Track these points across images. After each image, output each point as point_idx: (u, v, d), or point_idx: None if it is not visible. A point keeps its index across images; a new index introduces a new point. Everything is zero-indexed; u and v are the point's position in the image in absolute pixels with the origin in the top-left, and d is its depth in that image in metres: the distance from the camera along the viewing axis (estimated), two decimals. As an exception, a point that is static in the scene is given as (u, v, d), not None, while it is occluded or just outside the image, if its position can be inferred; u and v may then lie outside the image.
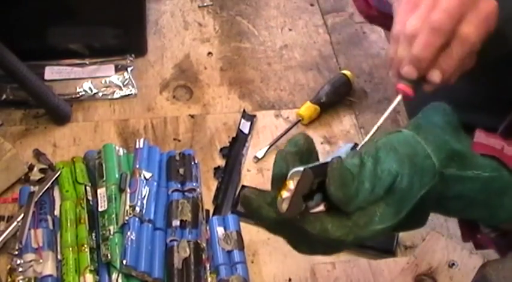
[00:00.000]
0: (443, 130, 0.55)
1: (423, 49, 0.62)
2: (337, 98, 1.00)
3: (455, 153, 0.53)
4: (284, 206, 0.48)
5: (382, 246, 0.80)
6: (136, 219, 0.76)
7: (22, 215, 0.78)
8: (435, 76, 0.64)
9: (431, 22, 0.61)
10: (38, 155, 0.89)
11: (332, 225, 0.50)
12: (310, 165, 0.50)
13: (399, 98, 0.64)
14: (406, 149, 0.52)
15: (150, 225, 0.77)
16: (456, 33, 0.61)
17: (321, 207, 0.50)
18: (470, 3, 0.62)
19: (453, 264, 0.71)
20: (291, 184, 0.48)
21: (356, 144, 0.56)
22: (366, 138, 0.65)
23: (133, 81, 1.02)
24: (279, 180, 0.51)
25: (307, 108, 0.97)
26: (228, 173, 0.89)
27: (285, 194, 0.48)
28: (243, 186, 0.87)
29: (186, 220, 0.78)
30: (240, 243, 0.78)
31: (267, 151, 0.92)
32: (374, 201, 0.51)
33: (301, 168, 0.48)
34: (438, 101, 0.84)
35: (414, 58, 0.62)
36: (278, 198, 0.49)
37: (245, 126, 0.95)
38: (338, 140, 0.95)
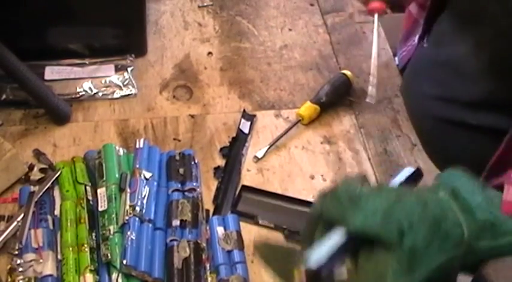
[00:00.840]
0: (474, 193, 0.52)
1: None
2: (337, 98, 1.00)
3: (488, 224, 0.50)
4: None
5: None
6: (137, 219, 0.76)
7: (22, 215, 0.78)
8: None
9: None
10: (38, 155, 0.89)
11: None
12: (327, 246, 0.48)
13: (376, 18, 0.67)
14: (436, 210, 0.50)
15: (150, 225, 0.77)
16: None
17: (345, 275, 0.49)
18: None
19: (453, 264, 0.71)
20: (302, 274, 0.48)
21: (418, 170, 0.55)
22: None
23: (134, 81, 1.02)
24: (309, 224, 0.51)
25: (307, 108, 0.97)
26: (228, 172, 0.89)
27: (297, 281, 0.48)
28: (243, 186, 0.87)
29: (186, 220, 0.78)
30: (240, 243, 0.78)
31: (266, 151, 0.92)
32: (388, 251, 0.48)
33: (309, 264, 0.48)
34: (447, 98, 0.84)
35: None
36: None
37: (245, 126, 0.96)
38: (338, 140, 0.95)
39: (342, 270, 0.49)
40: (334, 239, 0.48)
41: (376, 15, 0.74)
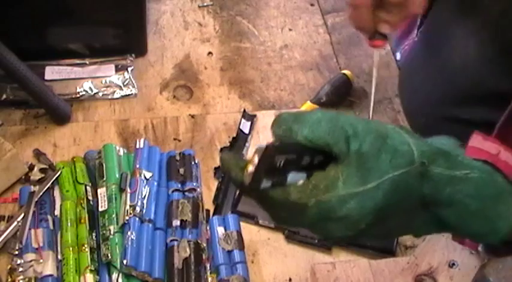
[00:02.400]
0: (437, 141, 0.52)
1: (354, 8, 0.73)
2: (337, 98, 1.00)
3: (441, 151, 0.50)
4: (247, 180, 0.48)
5: (382, 246, 0.80)
6: (137, 219, 0.76)
7: (22, 215, 0.78)
8: (384, 28, 0.75)
9: None
10: (38, 155, 0.89)
11: (293, 189, 0.48)
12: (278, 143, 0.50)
13: (376, 53, 0.70)
14: (380, 127, 0.50)
15: (151, 225, 0.77)
16: None
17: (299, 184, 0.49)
18: None
19: (453, 264, 0.71)
20: (255, 159, 0.48)
21: None
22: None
23: (134, 81, 1.02)
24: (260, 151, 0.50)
25: (308, 109, 0.96)
26: (228, 173, 0.89)
27: (250, 168, 0.48)
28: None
29: (186, 220, 0.78)
30: (240, 243, 0.78)
31: (267, 151, 0.92)
32: (340, 163, 0.48)
33: (263, 144, 0.48)
34: (437, 93, 0.84)
35: (353, 18, 0.74)
36: (244, 172, 0.48)
37: (245, 126, 0.96)
38: (338, 140, 0.95)
39: (296, 177, 0.49)
40: (257, 160, 0.49)
41: (375, 52, 0.77)
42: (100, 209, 0.79)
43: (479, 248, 0.69)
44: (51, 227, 0.78)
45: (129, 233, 0.75)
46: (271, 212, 0.51)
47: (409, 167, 0.48)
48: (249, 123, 0.96)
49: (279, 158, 0.48)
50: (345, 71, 1.02)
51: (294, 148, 0.50)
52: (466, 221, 0.51)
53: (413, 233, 0.55)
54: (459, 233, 0.54)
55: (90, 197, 0.81)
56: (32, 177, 0.85)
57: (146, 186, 0.80)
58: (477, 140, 0.56)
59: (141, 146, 0.85)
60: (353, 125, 0.49)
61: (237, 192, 0.87)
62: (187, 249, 0.75)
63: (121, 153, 0.85)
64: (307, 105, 0.97)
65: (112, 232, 0.76)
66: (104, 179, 0.82)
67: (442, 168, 0.49)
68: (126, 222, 0.76)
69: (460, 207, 0.50)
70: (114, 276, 0.73)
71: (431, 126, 0.86)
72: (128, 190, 0.79)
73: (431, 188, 0.49)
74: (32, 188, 0.82)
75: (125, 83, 1.01)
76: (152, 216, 0.78)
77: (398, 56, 1.09)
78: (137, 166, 0.82)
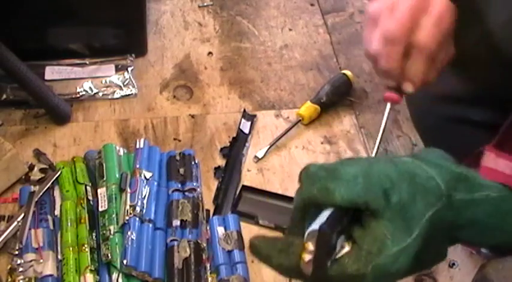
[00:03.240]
0: (443, 159, 0.53)
1: (385, 62, 0.67)
2: (338, 97, 1.00)
3: (460, 175, 0.50)
4: (308, 270, 0.46)
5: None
6: (137, 219, 0.76)
7: (22, 215, 0.78)
8: (407, 87, 0.69)
9: (384, 34, 0.65)
10: (38, 154, 0.89)
11: (348, 260, 0.47)
12: (324, 217, 0.47)
13: (388, 105, 0.68)
14: (406, 167, 0.49)
15: (151, 225, 0.77)
16: (412, 41, 0.65)
17: (346, 249, 0.48)
18: (420, 9, 0.65)
19: (453, 264, 0.71)
20: (310, 246, 0.46)
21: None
22: (375, 150, 0.67)
23: (134, 81, 1.02)
24: (301, 212, 0.50)
25: (308, 108, 0.97)
26: (229, 172, 0.89)
27: (307, 256, 0.46)
28: (244, 186, 0.87)
29: (186, 220, 0.78)
30: (241, 243, 0.78)
31: (267, 151, 0.92)
32: (377, 218, 0.47)
33: (316, 227, 0.46)
34: (449, 94, 0.84)
35: (383, 72, 0.68)
36: (301, 262, 0.46)
37: (245, 126, 0.95)
38: (338, 140, 0.95)
39: (340, 242, 0.47)
40: (326, 214, 0.47)
41: (388, 104, 0.74)
42: (100, 209, 0.79)
43: (483, 250, 0.69)
44: (51, 227, 0.78)
45: (129, 233, 0.75)
46: None
47: (440, 203, 0.49)
48: (249, 123, 0.96)
49: (333, 235, 0.46)
50: (345, 71, 1.02)
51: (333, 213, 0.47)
52: (486, 237, 0.52)
53: (441, 260, 0.54)
54: (479, 246, 0.54)
55: (90, 197, 0.81)
56: (32, 177, 0.85)
57: (146, 186, 0.80)
58: (490, 158, 0.56)
59: (141, 146, 0.85)
60: (388, 176, 0.48)
61: (237, 192, 0.87)
62: (187, 249, 0.75)
63: (121, 153, 0.85)
64: (308, 105, 0.97)
65: (112, 232, 0.76)
66: (104, 179, 0.82)
67: (463, 193, 0.50)
68: (126, 222, 0.76)
69: (480, 226, 0.51)
70: (114, 276, 0.73)
71: (440, 126, 0.86)
72: (128, 190, 0.79)
73: (454, 215, 0.50)
74: (32, 188, 0.82)
75: (125, 83, 1.01)
76: (152, 216, 0.78)
77: None
78: (137, 166, 0.82)
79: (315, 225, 0.46)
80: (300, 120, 0.96)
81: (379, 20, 0.67)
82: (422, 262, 0.51)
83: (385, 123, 0.76)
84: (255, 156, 0.92)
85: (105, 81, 1.01)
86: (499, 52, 0.75)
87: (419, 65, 0.67)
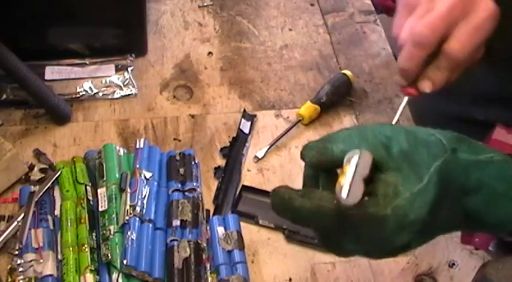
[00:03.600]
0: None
1: (406, 61, 0.63)
2: (338, 98, 1.00)
3: (463, 137, 0.51)
4: (344, 193, 0.46)
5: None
6: (137, 219, 0.76)
7: (22, 215, 0.78)
8: (425, 86, 0.65)
9: (413, 34, 0.61)
10: (38, 154, 0.89)
11: (368, 203, 0.48)
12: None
13: (405, 99, 0.66)
14: (401, 127, 0.51)
15: (151, 225, 0.77)
16: (443, 48, 0.61)
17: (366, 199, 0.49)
18: (461, 10, 0.60)
19: (453, 264, 0.71)
20: (349, 169, 0.46)
21: None
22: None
23: (134, 81, 1.02)
24: (311, 179, 0.52)
25: (308, 108, 0.97)
26: (229, 172, 0.89)
27: (344, 180, 0.46)
28: (244, 186, 0.87)
29: (186, 220, 0.78)
30: (241, 243, 0.78)
31: (267, 151, 0.92)
32: (387, 170, 0.49)
33: (356, 150, 0.47)
34: (451, 93, 0.83)
35: (400, 68, 0.64)
36: (336, 186, 0.47)
37: (245, 126, 0.96)
38: (338, 140, 0.95)
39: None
40: (352, 169, 0.48)
41: (405, 98, 0.73)
42: (100, 209, 0.79)
43: (490, 248, 0.69)
44: (51, 227, 0.78)
45: (129, 233, 0.75)
46: (349, 239, 0.50)
47: (445, 155, 0.49)
48: (249, 123, 0.96)
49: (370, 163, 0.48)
50: (345, 71, 1.02)
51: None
52: (493, 205, 0.51)
53: (459, 229, 0.56)
54: (483, 223, 0.54)
55: (90, 197, 0.81)
56: (32, 177, 0.85)
57: (146, 186, 0.80)
58: (501, 133, 0.56)
59: (141, 146, 0.85)
60: (381, 131, 0.49)
61: (237, 192, 0.87)
62: (187, 249, 0.75)
63: (121, 153, 0.85)
64: (308, 105, 0.97)
65: (112, 232, 0.76)
66: (104, 179, 0.82)
67: (467, 153, 0.50)
68: (126, 222, 0.76)
69: (487, 191, 0.50)
70: (114, 276, 0.73)
71: (441, 125, 0.86)
72: (128, 190, 0.79)
73: (462, 173, 0.50)
74: (32, 188, 0.82)
75: (125, 83, 1.01)
76: (152, 216, 0.78)
77: None
78: (137, 166, 0.82)
79: (356, 150, 0.48)
80: (300, 120, 0.96)
81: (415, 9, 0.62)
82: (439, 219, 0.51)
83: (398, 118, 0.75)
84: (255, 156, 0.92)
85: (105, 81, 1.01)
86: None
87: (444, 72, 0.64)
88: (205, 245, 0.77)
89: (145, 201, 0.79)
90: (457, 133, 0.52)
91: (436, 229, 0.53)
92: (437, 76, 0.65)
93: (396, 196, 0.48)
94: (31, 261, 0.74)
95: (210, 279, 0.75)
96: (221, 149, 0.93)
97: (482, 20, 0.60)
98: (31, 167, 0.87)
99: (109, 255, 0.74)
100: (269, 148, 0.93)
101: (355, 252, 0.52)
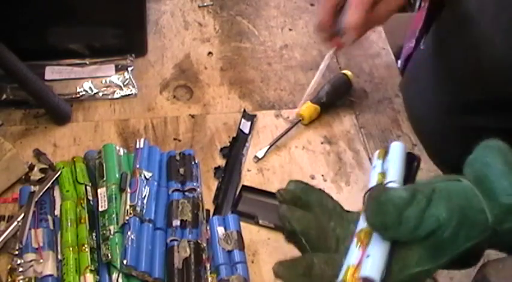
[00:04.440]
0: (503, 176, 0.52)
1: (318, 15, 0.75)
2: (338, 98, 1.00)
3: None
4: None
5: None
6: (137, 219, 0.76)
7: (22, 215, 0.78)
8: (346, 39, 0.75)
9: None
10: (38, 154, 0.89)
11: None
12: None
13: (331, 51, 0.78)
14: (461, 200, 0.51)
15: (151, 225, 0.77)
16: None
17: None
18: None
19: (453, 264, 0.71)
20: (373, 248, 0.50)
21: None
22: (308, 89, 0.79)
23: (134, 81, 1.02)
24: (291, 235, 0.54)
25: (308, 108, 0.97)
26: (229, 172, 0.89)
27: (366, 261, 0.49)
28: (244, 186, 0.87)
29: (186, 220, 0.78)
30: (241, 243, 0.78)
31: (267, 151, 0.92)
32: (411, 242, 0.50)
33: (368, 275, 0.49)
34: (447, 100, 0.84)
35: (316, 25, 0.75)
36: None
37: (245, 126, 0.96)
38: (338, 140, 0.95)
39: None
40: (382, 249, 0.50)
41: (331, 50, 0.83)
42: (100, 209, 0.79)
43: None
44: (51, 227, 0.78)
45: (129, 233, 0.75)
46: None
47: (483, 235, 0.51)
48: (249, 123, 0.96)
49: None
50: (345, 71, 1.02)
51: None
52: None
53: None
54: None
55: (90, 197, 0.81)
56: (32, 177, 0.85)
57: (146, 186, 0.80)
58: None
59: (141, 146, 0.85)
60: (438, 218, 0.50)
61: (237, 192, 0.87)
62: (187, 249, 0.75)
63: (121, 153, 0.85)
64: (308, 105, 0.97)
65: (112, 232, 0.76)
66: (104, 179, 0.82)
67: (511, 223, 0.51)
68: (126, 222, 0.76)
69: None
70: (114, 276, 0.73)
71: (438, 131, 0.86)
72: (128, 190, 0.79)
73: (497, 240, 0.52)
74: (32, 188, 0.82)
75: (125, 83, 1.01)
76: (152, 216, 0.78)
77: (399, 63, 1.09)
78: (137, 166, 0.82)
79: (367, 269, 0.49)
80: (300, 120, 0.96)
81: None
82: (445, 268, 0.53)
83: (324, 67, 0.81)
84: (255, 156, 0.92)
85: (105, 81, 1.01)
86: (492, 62, 0.75)
87: (353, 17, 0.70)
88: (205, 245, 0.77)
89: (145, 201, 0.79)
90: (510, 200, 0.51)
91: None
92: (349, 24, 0.72)
93: (401, 271, 0.50)
94: (31, 261, 0.74)
95: (210, 279, 0.75)
96: (221, 149, 0.93)
97: None
98: (31, 167, 0.87)
99: (109, 255, 0.74)
100: (269, 148, 0.93)
101: None
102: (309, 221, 0.55)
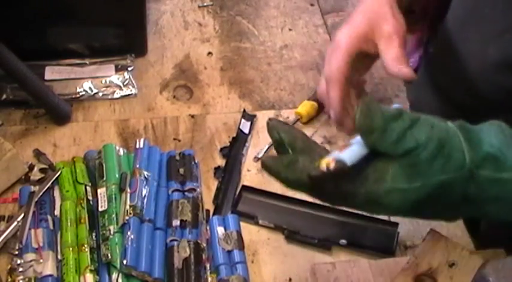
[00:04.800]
0: (493, 134, 0.54)
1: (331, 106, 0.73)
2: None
3: (491, 156, 0.53)
4: (313, 173, 0.54)
5: (382, 246, 0.80)
6: (137, 219, 0.76)
7: (22, 215, 0.78)
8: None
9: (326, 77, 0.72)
10: (38, 155, 0.89)
11: (345, 180, 0.53)
12: (354, 159, 0.54)
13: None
14: (442, 133, 0.53)
15: (150, 225, 0.77)
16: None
17: None
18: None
19: (453, 264, 0.71)
20: (332, 165, 0.53)
21: None
22: None
23: (134, 81, 1.02)
24: (279, 146, 0.59)
25: (305, 105, 0.96)
26: (228, 172, 0.89)
27: (323, 166, 0.53)
28: (244, 186, 0.87)
29: (186, 220, 0.78)
30: (240, 243, 0.78)
31: (266, 151, 0.92)
32: (389, 158, 0.53)
33: (347, 162, 0.53)
34: (452, 104, 0.84)
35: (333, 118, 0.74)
36: (315, 162, 0.54)
37: (245, 126, 0.96)
38: (338, 139, 0.95)
39: None
40: (360, 149, 0.55)
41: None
42: (100, 209, 0.79)
43: None
44: (51, 227, 0.78)
45: (129, 233, 0.75)
46: (324, 198, 0.57)
47: (458, 172, 0.52)
48: (249, 123, 0.96)
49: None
50: (345, 71, 1.02)
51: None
52: (510, 213, 0.54)
53: (447, 220, 0.62)
54: (499, 221, 0.57)
55: (90, 197, 0.81)
56: (32, 177, 0.85)
57: (146, 186, 0.80)
58: None
59: (141, 146, 0.85)
60: (416, 139, 0.52)
61: (237, 192, 0.87)
62: (187, 249, 0.75)
63: (121, 153, 0.85)
64: (304, 103, 0.97)
65: (112, 232, 0.76)
66: (104, 179, 0.82)
67: (490, 170, 0.52)
68: (126, 222, 0.76)
69: (504, 203, 0.53)
70: (114, 276, 0.73)
71: None
72: (128, 190, 0.79)
73: (476, 188, 0.53)
74: (32, 188, 0.82)
75: (124, 83, 1.01)
76: (152, 216, 0.78)
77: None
78: (137, 166, 0.82)
79: (346, 158, 0.53)
80: (298, 119, 0.96)
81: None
82: (423, 212, 0.56)
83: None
84: (255, 156, 0.92)
85: (105, 81, 1.01)
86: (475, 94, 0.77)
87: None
88: (205, 245, 0.77)
89: (145, 201, 0.79)
90: (493, 148, 0.53)
91: (421, 217, 0.59)
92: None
93: (376, 182, 0.53)
94: (31, 261, 0.74)
95: (210, 279, 0.75)
96: (221, 149, 0.93)
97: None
98: (31, 167, 0.87)
99: (109, 255, 0.74)
100: (268, 148, 0.92)
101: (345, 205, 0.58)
102: (296, 133, 0.60)
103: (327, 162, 0.53)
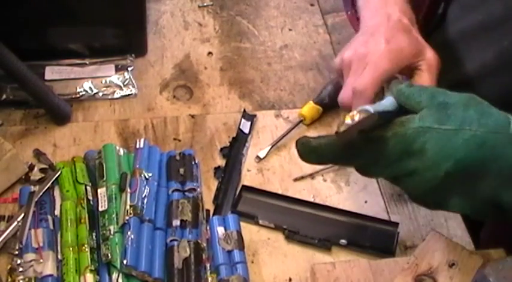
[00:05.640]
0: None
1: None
2: (338, 98, 0.99)
3: None
4: (341, 129, 0.55)
5: (382, 246, 0.80)
6: (137, 219, 0.76)
7: (22, 215, 0.78)
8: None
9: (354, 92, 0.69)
10: (38, 155, 0.89)
11: (372, 130, 0.55)
12: (380, 109, 0.55)
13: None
14: (478, 99, 0.54)
15: (151, 225, 0.77)
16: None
17: None
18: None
19: (453, 264, 0.71)
20: (356, 116, 0.53)
21: None
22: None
23: (134, 81, 1.02)
24: None
25: (310, 109, 0.96)
26: (229, 172, 0.89)
27: (348, 121, 0.54)
28: (244, 186, 0.87)
29: (186, 220, 0.78)
30: (240, 243, 0.78)
31: (269, 151, 0.92)
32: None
33: (371, 110, 0.54)
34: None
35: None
36: (341, 119, 0.55)
37: (245, 126, 0.96)
38: (338, 140, 0.95)
39: None
40: (386, 105, 0.57)
41: None
42: (100, 209, 0.79)
43: None
44: (51, 227, 0.78)
45: (129, 233, 0.75)
46: (355, 160, 0.58)
47: (499, 131, 0.49)
48: (249, 123, 0.96)
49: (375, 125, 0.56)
50: (345, 71, 1.02)
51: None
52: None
53: (474, 213, 0.58)
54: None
55: (90, 197, 0.81)
56: (32, 177, 0.85)
57: (146, 186, 0.80)
58: None
59: (141, 146, 0.85)
60: (450, 97, 0.54)
61: (237, 192, 0.87)
62: (187, 249, 0.75)
63: (121, 153, 0.85)
64: (310, 106, 0.96)
65: (112, 232, 0.76)
66: (104, 179, 0.82)
67: None
68: (126, 222, 0.76)
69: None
70: (114, 276, 0.73)
71: None
72: (128, 190, 0.79)
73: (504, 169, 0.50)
74: (32, 188, 0.82)
75: (125, 83, 1.01)
76: (152, 216, 0.78)
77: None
78: (137, 166, 0.82)
79: (370, 108, 0.54)
80: (301, 121, 0.96)
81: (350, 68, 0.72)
82: (469, 187, 0.52)
83: None
84: (257, 156, 0.92)
85: (105, 81, 1.01)
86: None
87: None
88: (205, 245, 0.77)
89: (145, 201, 0.79)
90: None
91: (467, 202, 0.55)
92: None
93: (402, 125, 0.53)
94: (31, 261, 0.74)
95: (210, 279, 0.75)
96: (221, 149, 0.93)
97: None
98: (31, 167, 0.87)
99: (109, 255, 0.74)
100: (271, 148, 0.93)
101: (375, 175, 0.60)
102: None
103: (351, 115, 0.54)
